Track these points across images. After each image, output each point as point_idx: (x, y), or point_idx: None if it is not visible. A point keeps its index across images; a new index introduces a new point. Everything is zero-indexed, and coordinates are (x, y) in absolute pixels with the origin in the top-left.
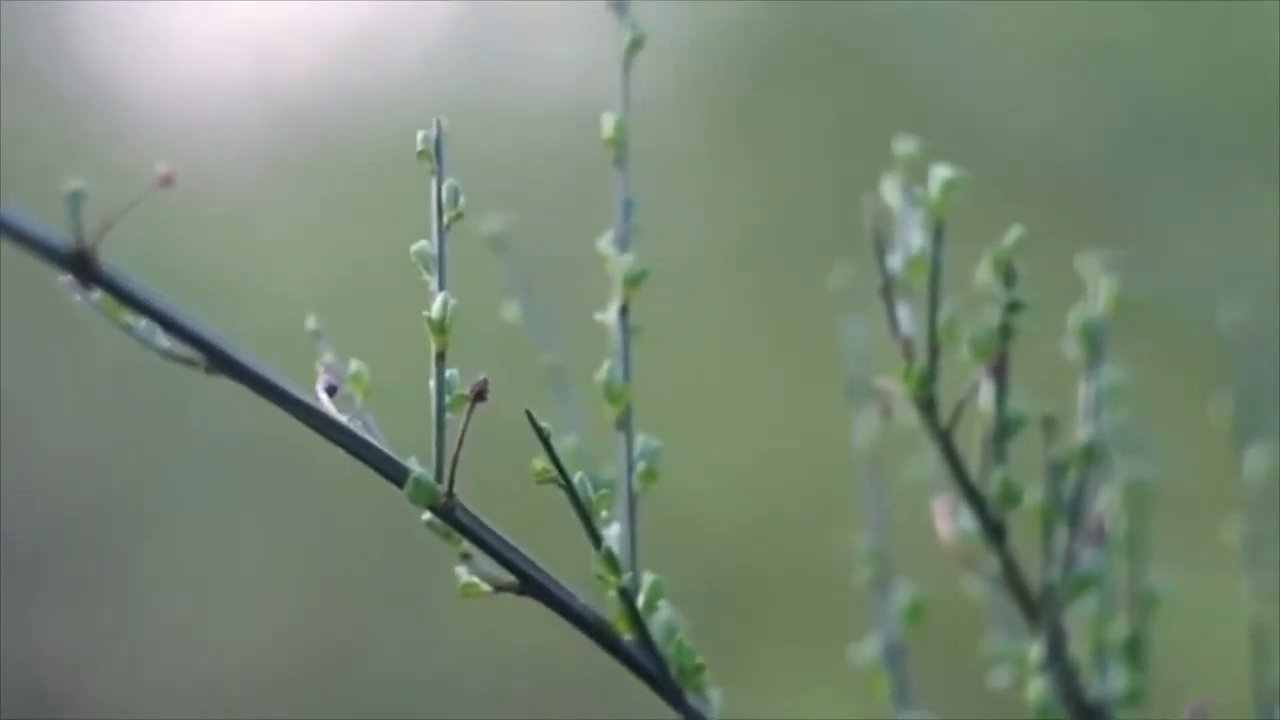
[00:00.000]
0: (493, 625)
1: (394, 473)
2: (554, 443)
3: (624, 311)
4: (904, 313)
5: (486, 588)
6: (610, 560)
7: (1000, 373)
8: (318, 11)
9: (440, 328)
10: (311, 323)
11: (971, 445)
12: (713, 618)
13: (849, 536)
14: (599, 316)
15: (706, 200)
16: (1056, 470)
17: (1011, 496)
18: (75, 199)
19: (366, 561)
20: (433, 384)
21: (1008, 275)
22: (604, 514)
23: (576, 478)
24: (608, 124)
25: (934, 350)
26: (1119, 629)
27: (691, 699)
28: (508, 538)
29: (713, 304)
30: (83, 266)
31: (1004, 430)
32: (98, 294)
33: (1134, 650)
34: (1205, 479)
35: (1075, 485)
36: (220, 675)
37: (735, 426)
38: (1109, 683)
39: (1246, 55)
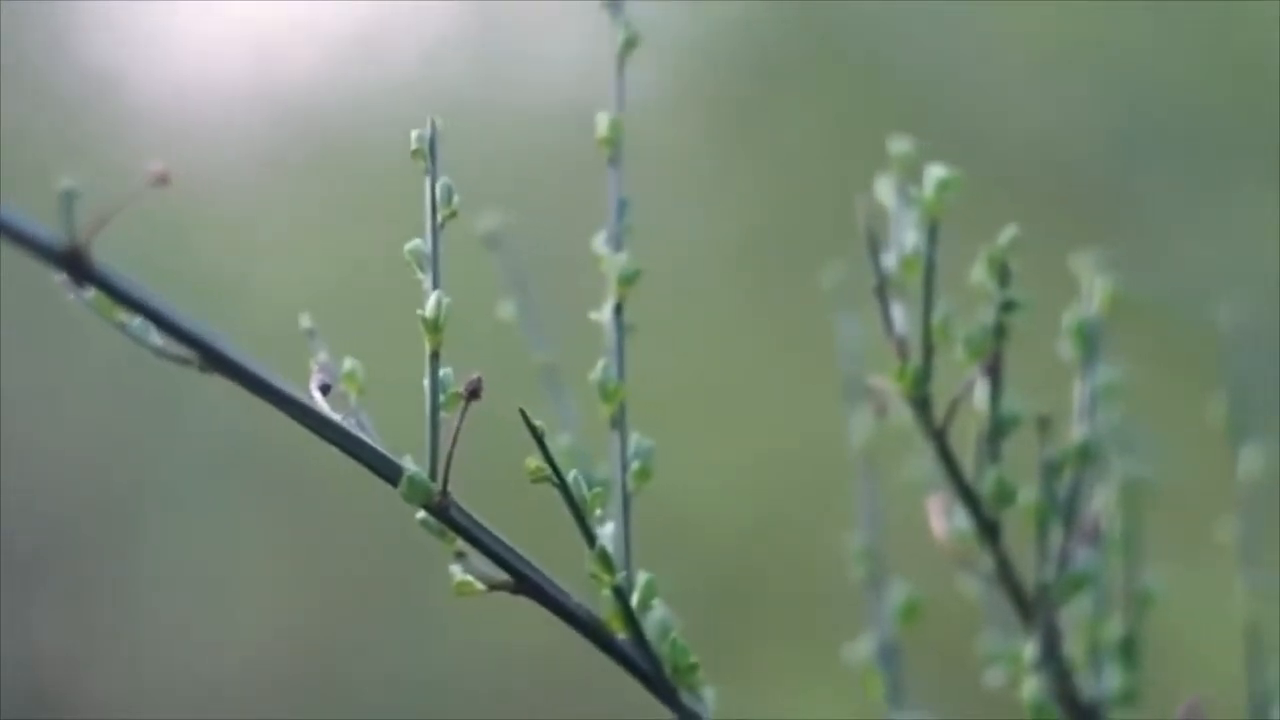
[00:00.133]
0: (492, 625)
1: (388, 471)
2: (549, 442)
3: (618, 310)
4: (899, 312)
5: (481, 586)
6: (604, 559)
7: (995, 372)
8: (317, 11)
9: (434, 326)
10: (306, 321)
11: (966, 444)
12: (712, 618)
13: (847, 536)
14: (594, 315)
15: (706, 200)
16: (1051, 469)
17: (1006, 496)
18: (68, 197)
19: (366, 561)
20: (427, 383)
21: (1002, 274)
22: (598, 513)
23: (570, 476)
24: (602, 123)
25: (928, 349)
26: (1114, 628)
27: (686, 698)
28: (502, 536)
29: (712, 304)
30: (76, 265)
31: (998, 429)
32: (91, 292)
33: (1129, 649)
34: (1200, 478)
35: (1070, 485)
36: (220, 675)
37: (735, 426)
38: (1104, 682)
39: (1246, 55)
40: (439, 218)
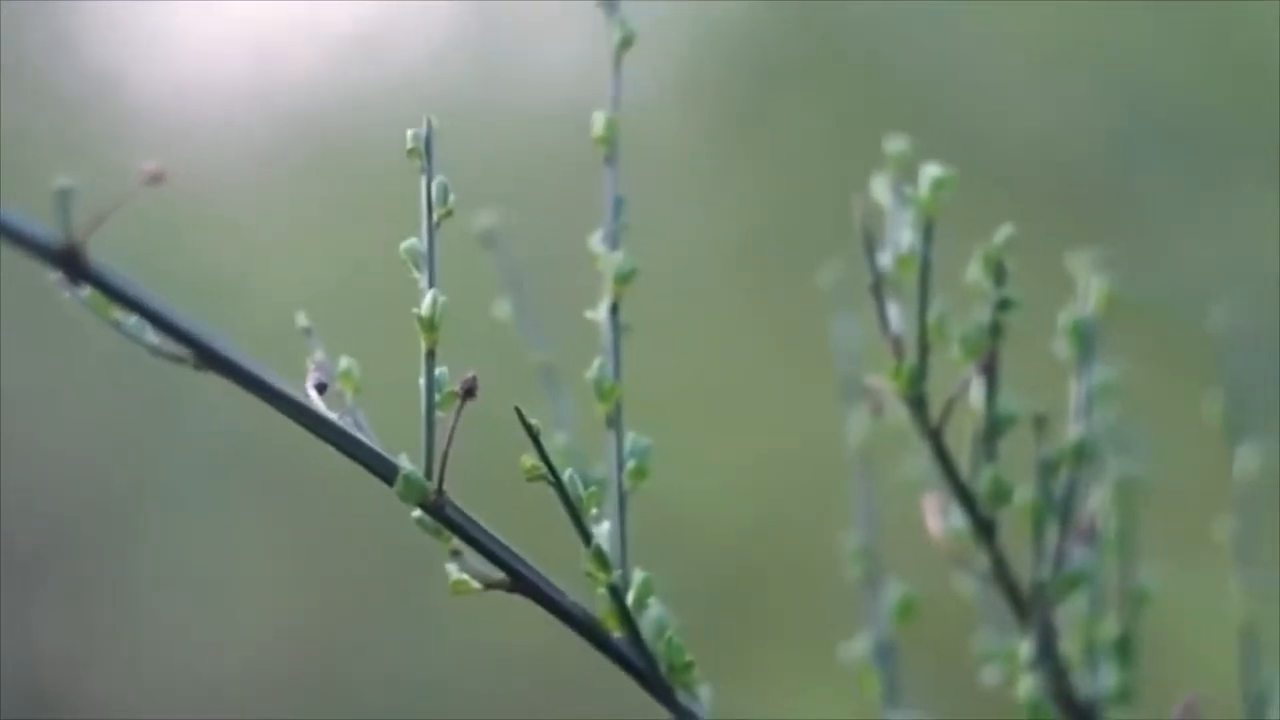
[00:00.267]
0: (492, 625)
1: (384, 470)
2: (545, 440)
3: (614, 309)
4: (894, 311)
5: (477, 585)
6: (599, 557)
7: (991, 371)
8: (317, 12)
9: (430, 325)
10: (302, 320)
11: (962, 443)
12: (712, 618)
13: (845, 536)
14: (589, 314)
15: (706, 200)
16: (1047, 468)
17: (1001, 494)
18: (64, 196)
19: (366, 561)
20: (422, 381)
21: (998, 273)
22: (594, 511)
23: (566, 475)
24: (598, 122)
25: (924, 348)
26: (1110, 627)
27: (682, 696)
28: (498, 535)
29: (712, 304)
30: (71, 263)
31: (994, 428)
32: (87, 291)
33: (1125, 648)
34: (1197, 477)
35: (1066, 484)
36: (220, 675)
37: (734, 426)
38: (1099, 681)
39: (1246, 55)
40: (434, 216)
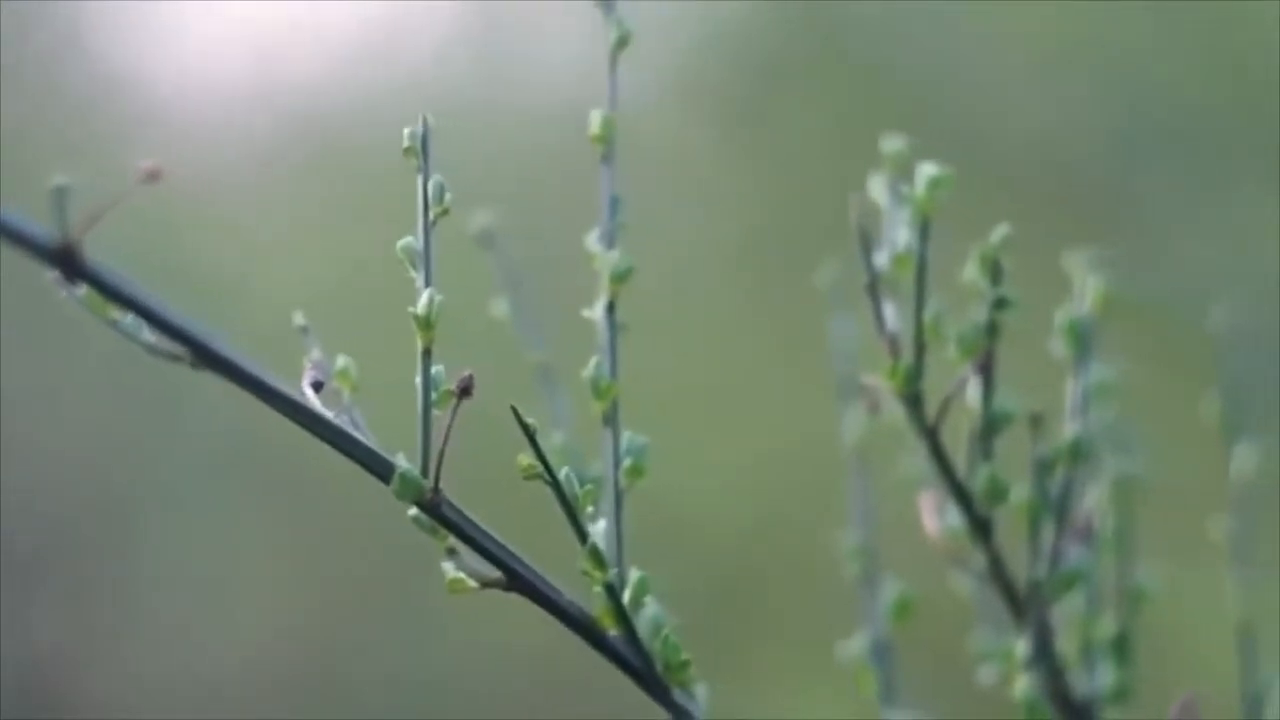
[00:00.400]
0: (491, 625)
1: (380, 468)
2: (542, 440)
3: (611, 308)
4: (891, 310)
5: (473, 583)
6: (595, 556)
7: (987, 370)
8: (321, 13)
9: (426, 324)
10: (299, 319)
11: (959, 442)
12: (712, 618)
13: (842, 535)
14: (586, 313)
15: (707, 200)
16: (1043, 467)
17: (998, 493)
18: (60, 194)
19: (366, 561)
20: (418, 380)
21: (994, 272)
22: (590, 510)
23: (562, 474)
24: (595, 121)
25: (920, 347)
26: (1106, 626)
27: (678, 695)
28: (494, 533)
29: (712, 304)
30: (67, 261)
31: (990, 427)
32: (83, 289)
33: (1121, 647)
34: (1193, 476)
35: (1062, 482)
36: (220, 675)
37: (734, 426)
38: (1096, 680)
39: (1246, 55)
40: (431, 215)
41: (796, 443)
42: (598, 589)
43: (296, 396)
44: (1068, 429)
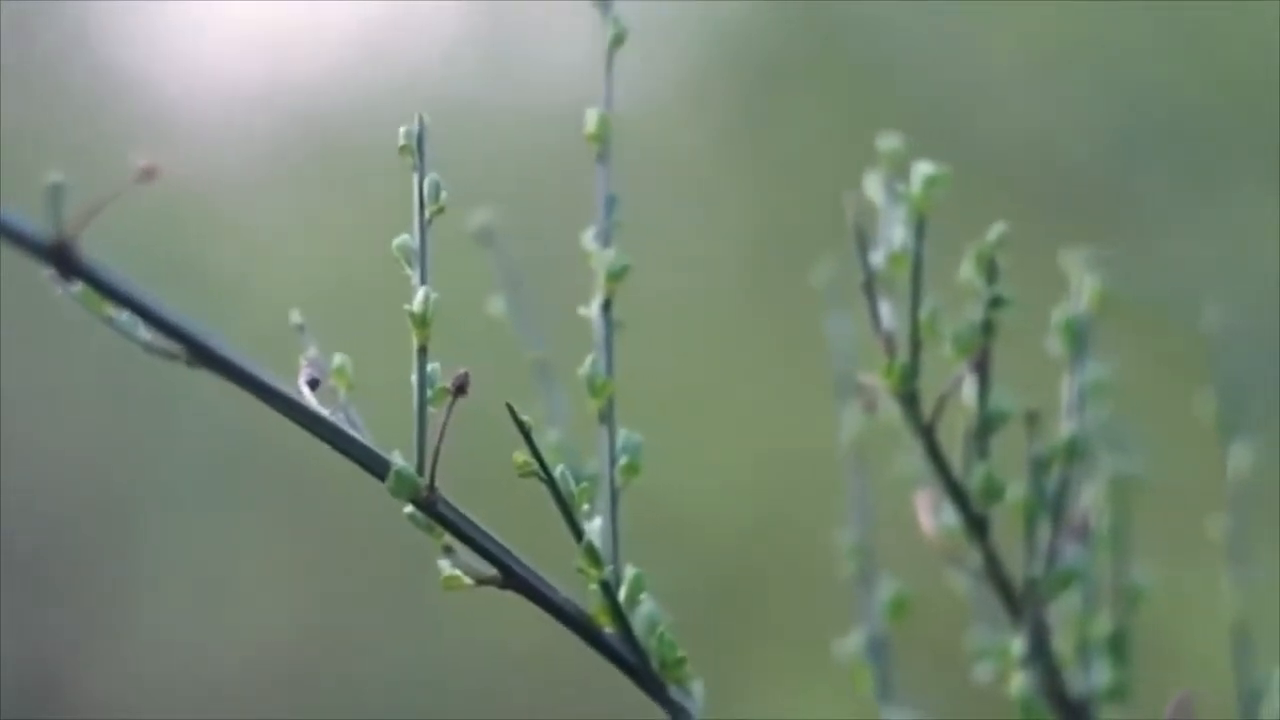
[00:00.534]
0: (491, 625)
1: (376, 466)
2: (539, 437)
3: (606, 306)
4: (886, 308)
5: (468, 581)
6: (591, 553)
7: (982, 368)
8: (323, 13)
9: (422, 321)
10: (296, 317)
11: (955, 440)
12: (712, 617)
13: (840, 534)
14: (582, 311)
15: (708, 200)
16: (1039, 465)
17: (994, 491)
18: (56, 191)
19: (366, 561)
20: (414, 378)
21: (990, 271)
22: (585, 507)
23: (558, 471)
24: (590, 120)
25: (916, 345)
26: (1102, 624)
27: (674, 692)
28: (490, 531)
29: (715, 304)
30: (62, 258)
31: (986, 425)
32: (79, 286)
33: (1117, 645)
34: (1190, 475)
35: (1058, 480)
36: (220, 675)
37: (735, 426)
38: (1092, 678)
39: (1246, 55)
40: (426, 213)
41: (796, 443)
42: (593, 586)
43: (293, 394)
44: (1064, 427)
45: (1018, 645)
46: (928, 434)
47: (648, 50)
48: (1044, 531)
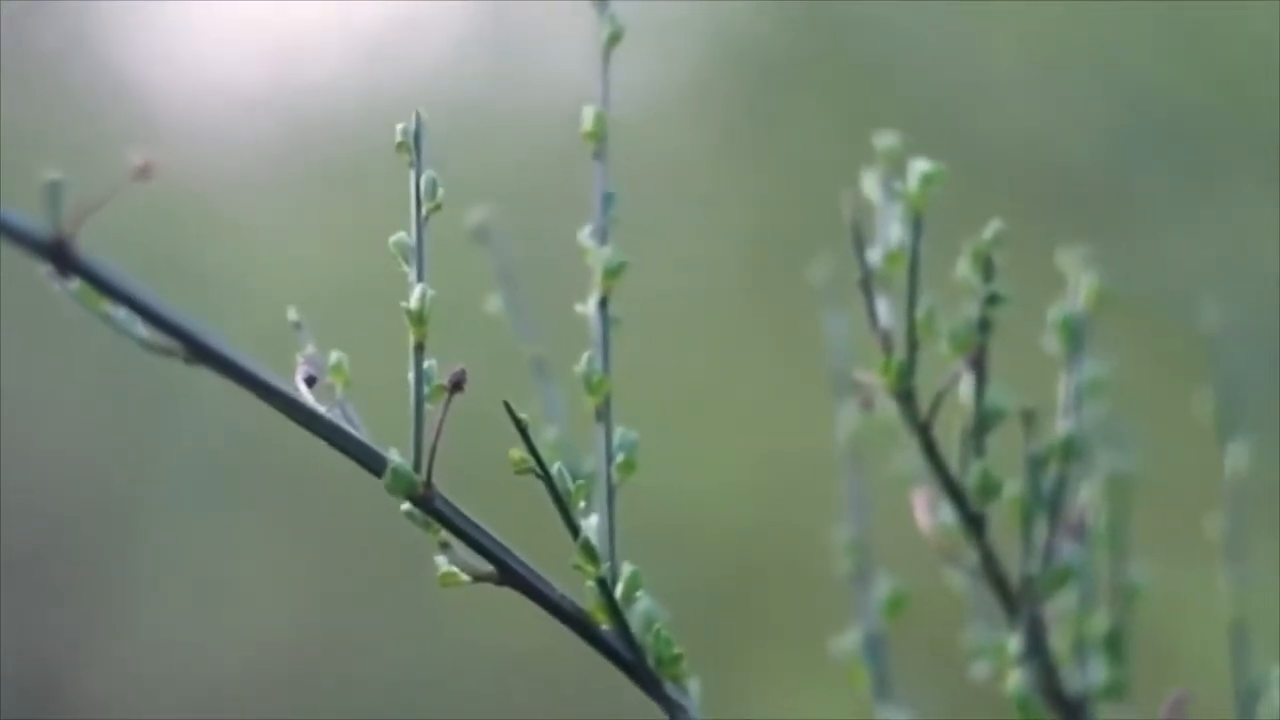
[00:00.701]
0: (491, 625)
1: (373, 463)
2: (536, 435)
3: (603, 303)
4: (883, 306)
5: (465, 577)
6: (588, 550)
7: (979, 366)
8: (325, 14)
9: (419, 319)
10: (293, 315)
11: (951, 438)
12: (711, 617)
13: (837, 531)
14: (579, 308)
15: (709, 200)
16: (1036, 463)
17: (990, 489)
18: (54, 188)
19: (366, 561)
20: (411, 375)
21: (986, 269)
22: (582, 505)
23: (554, 468)
24: (587, 118)
25: (913, 343)
26: (1099, 622)
27: (670, 689)
28: (487, 528)
29: (717, 304)
30: (59, 255)
31: (983, 423)
32: (76, 283)
33: (1114, 644)
34: (1187, 473)
35: (1055, 478)
36: (220, 675)
37: (734, 426)
38: (1089, 676)
39: (1246, 55)
40: (423, 210)
41: (794, 442)
42: (590, 583)
43: (290, 392)
44: (1060, 425)
45: (1014, 643)
46: (924, 432)
47: (648, 51)
48: (1041, 529)
